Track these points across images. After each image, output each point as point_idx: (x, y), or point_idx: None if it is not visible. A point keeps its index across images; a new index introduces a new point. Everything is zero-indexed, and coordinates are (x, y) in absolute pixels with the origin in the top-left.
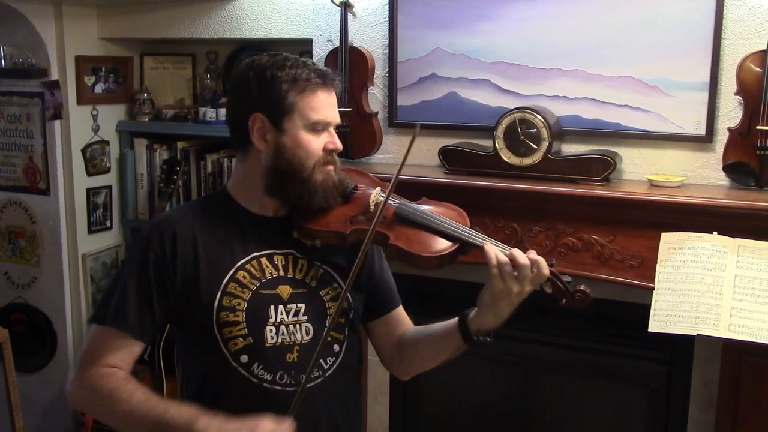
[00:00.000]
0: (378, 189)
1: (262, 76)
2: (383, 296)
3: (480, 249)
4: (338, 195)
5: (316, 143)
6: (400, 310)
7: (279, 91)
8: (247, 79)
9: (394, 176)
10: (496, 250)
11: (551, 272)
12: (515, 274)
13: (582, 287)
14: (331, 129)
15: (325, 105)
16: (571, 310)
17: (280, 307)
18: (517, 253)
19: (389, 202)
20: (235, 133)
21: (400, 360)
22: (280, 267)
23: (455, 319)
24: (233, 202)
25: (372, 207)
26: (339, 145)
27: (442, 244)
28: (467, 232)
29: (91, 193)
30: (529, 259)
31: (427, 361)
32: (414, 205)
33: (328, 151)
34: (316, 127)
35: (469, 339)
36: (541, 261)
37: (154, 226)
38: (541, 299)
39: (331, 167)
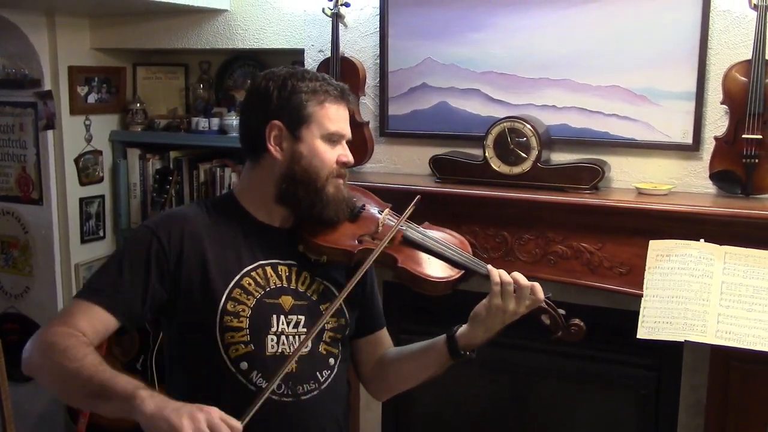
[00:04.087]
0: (386, 211)
1: (282, 85)
2: (371, 316)
3: (483, 276)
4: (347, 210)
5: (331, 154)
6: (384, 332)
7: (299, 100)
8: (266, 88)
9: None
10: (500, 270)
11: (548, 303)
12: (515, 294)
13: (576, 321)
14: (344, 143)
15: (341, 118)
16: (569, 343)
17: (282, 317)
18: (518, 275)
19: (400, 223)
20: (248, 140)
21: (379, 379)
22: (284, 277)
23: (441, 336)
24: (241, 207)
25: (380, 228)
26: (351, 159)
27: (448, 271)
28: (472, 260)
29: (84, 202)
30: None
31: (407, 380)
32: (421, 229)
33: (341, 164)
34: (332, 138)
35: (456, 354)
36: (537, 286)
37: (165, 217)
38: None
39: (341, 180)
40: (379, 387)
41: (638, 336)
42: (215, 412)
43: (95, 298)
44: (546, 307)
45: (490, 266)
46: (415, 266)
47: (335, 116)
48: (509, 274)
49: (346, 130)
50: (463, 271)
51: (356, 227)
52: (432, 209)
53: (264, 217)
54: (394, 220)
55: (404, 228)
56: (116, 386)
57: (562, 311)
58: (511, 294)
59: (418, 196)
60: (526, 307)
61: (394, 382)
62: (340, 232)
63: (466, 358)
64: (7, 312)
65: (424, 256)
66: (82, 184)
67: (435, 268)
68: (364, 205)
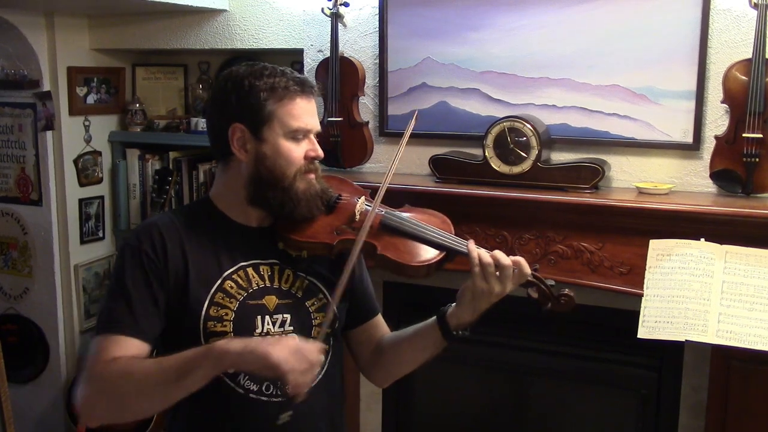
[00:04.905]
0: (362, 198)
1: (240, 85)
2: (364, 305)
3: (466, 255)
4: (322, 204)
5: (297, 151)
6: (379, 318)
7: (257, 100)
8: (225, 90)
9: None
10: (480, 251)
11: (535, 276)
12: (497, 274)
13: (566, 291)
14: (312, 136)
15: (305, 112)
16: (560, 315)
17: (267, 317)
18: (499, 253)
19: (375, 210)
20: (215, 143)
21: (378, 366)
22: (266, 277)
23: (432, 318)
24: (217, 210)
25: (357, 216)
26: (320, 153)
27: (429, 253)
28: (453, 240)
29: (83, 203)
30: (511, 260)
31: (406, 364)
32: (399, 213)
33: (309, 159)
34: (296, 135)
35: (448, 335)
36: (523, 261)
37: (141, 230)
38: (529, 306)
39: (312, 175)
40: (379, 374)
41: (639, 336)
42: (292, 343)
43: (118, 329)
44: (533, 280)
45: (470, 245)
46: (395, 252)
47: (297, 112)
48: (490, 252)
49: (312, 124)
50: (444, 253)
51: (333, 218)
52: (431, 209)
53: (241, 218)
54: (370, 205)
55: (382, 213)
56: (192, 357)
57: (551, 281)
58: (493, 274)
59: (415, 112)
60: (512, 284)
61: (393, 368)
62: (317, 225)
63: (460, 337)
64: (7, 313)
65: (404, 241)
66: (81, 184)
67: (415, 252)
68: (340, 195)
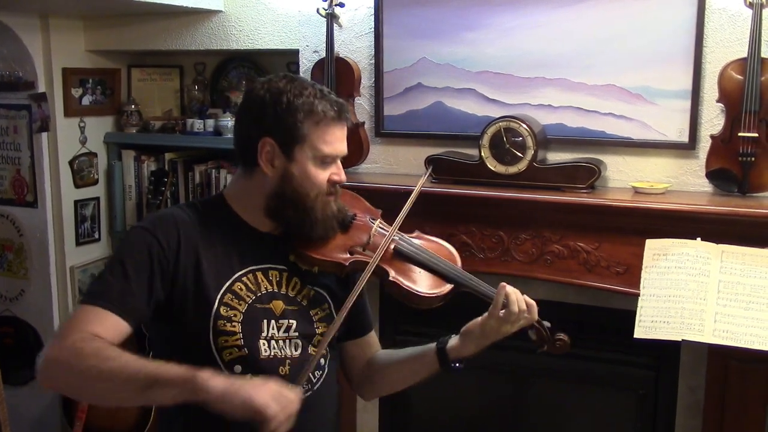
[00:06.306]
0: (378, 220)
1: (278, 100)
2: (361, 320)
3: (487, 298)
4: (337, 224)
5: (323, 175)
6: (373, 334)
7: (294, 119)
8: (262, 101)
9: (400, 213)
10: (510, 293)
11: (538, 320)
12: (511, 318)
13: (562, 336)
14: (338, 160)
15: (337, 139)
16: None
17: (273, 321)
18: (528, 301)
19: (391, 236)
20: (242, 150)
21: (368, 381)
22: (275, 282)
23: (431, 346)
24: (232, 211)
25: (372, 239)
26: (343, 177)
27: (440, 285)
28: (462, 274)
29: (78, 205)
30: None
31: (396, 384)
32: (412, 240)
33: (332, 183)
34: (326, 160)
35: (446, 366)
36: (534, 306)
37: (159, 218)
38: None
39: (332, 198)
40: (367, 389)
41: (635, 336)
42: (276, 387)
43: (104, 303)
44: (536, 324)
45: (507, 287)
46: (407, 280)
47: (331, 138)
48: (517, 298)
49: (341, 150)
50: (452, 286)
51: (347, 238)
52: (428, 209)
53: (255, 222)
54: (385, 230)
55: (396, 238)
56: (170, 373)
57: (547, 324)
58: (509, 319)
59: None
60: (519, 326)
61: (382, 386)
62: (331, 243)
63: (456, 368)
64: (3, 315)
65: (415, 269)
66: (76, 186)
67: (425, 283)
68: (355, 215)
